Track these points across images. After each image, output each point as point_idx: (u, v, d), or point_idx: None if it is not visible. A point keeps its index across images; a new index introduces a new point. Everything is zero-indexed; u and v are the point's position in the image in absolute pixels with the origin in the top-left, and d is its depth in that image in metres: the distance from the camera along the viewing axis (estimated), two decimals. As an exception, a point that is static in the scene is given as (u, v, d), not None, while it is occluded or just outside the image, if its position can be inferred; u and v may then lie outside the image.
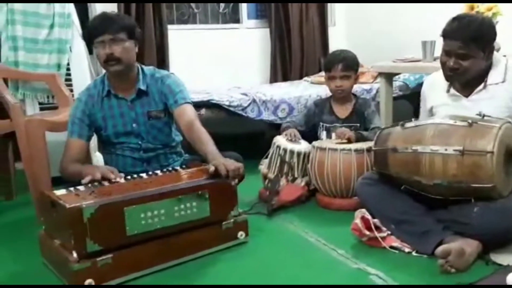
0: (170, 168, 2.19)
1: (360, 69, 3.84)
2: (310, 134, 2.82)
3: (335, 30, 4.66)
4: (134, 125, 2.24)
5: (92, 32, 2.15)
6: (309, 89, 3.67)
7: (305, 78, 4.31)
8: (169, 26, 3.96)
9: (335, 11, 4.69)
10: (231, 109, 3.21)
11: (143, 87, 2.23)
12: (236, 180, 1.99)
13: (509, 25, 2.81)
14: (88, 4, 3.72)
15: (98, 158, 2.71)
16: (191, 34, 4.19)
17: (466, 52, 1.96)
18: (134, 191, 1.83)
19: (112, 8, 3.75)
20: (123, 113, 2.24)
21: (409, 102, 3.75)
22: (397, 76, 3.58)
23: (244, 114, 3.25)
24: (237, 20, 4.46)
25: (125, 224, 1.74)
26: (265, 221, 2.37)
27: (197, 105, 3.06)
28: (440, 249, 1.77)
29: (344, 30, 4.68)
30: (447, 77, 2.10)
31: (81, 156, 2.20)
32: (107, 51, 2.10)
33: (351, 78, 2.72)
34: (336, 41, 4.56)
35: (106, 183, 1.94)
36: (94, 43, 2.14)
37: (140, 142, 2.27)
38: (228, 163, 1.96)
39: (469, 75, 2.03)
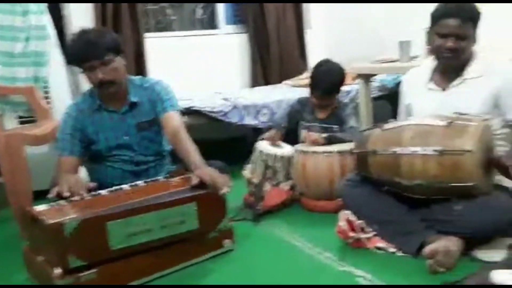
0: (152, 178, 2.18)
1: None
2: (292, 136, 2.85)
3: (312, 32, 4.68)
4: (125, 137, 2.23)
5: (78, 57, 2.09)
6: (290, 92, 3.68)
7: (285, 81, 4.32)
8: (146, 34, 3.94)
9: (311, 14, 4.71)
10: (213, 115, 3.21)
11: (134, 99, 2.23)
12: (226, 189, 1.96)
13: (484, 22, 2.85)
14: (61, 5, 3.66)
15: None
16: (169, 41, 4.17)
17: (465, 31, 1.97)
18: (117, 203, 1.81)
19: (87, 8, 3.70)
20: (114, 126, 2.23)
21: (388, 102, 3.79)
22: (375, 77, 3.61)
23: (226, 119, 3.25)
24: (214, 26, 4.45)
25: (108, 239, 1.73)
26: (251, 227, 2.37)
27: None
28: (427, 249, 1.79)
29: (321, 32, 4.70)
30: (444, 60, 2.06)
31: (73, 173, 2.13)
32: (99, 76, 2.07)
33: (335, 95, 2.79)
34: (314, 44, 4.59)
35: (87, 196, 1.91)
36: (82, 67, 2.09)
37: (132, 155, 2.26)
38: (214, 172, 1.96)
39: (464, 56, 2.03)
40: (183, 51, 4.16)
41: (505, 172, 1.85)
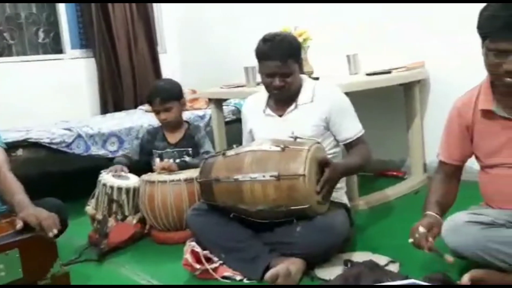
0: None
1: (194, 95, 3.93)
2: (147, 169, 2.73)
3: (167, 57, 4.64)
4: None
5: None
6: (143, 119, 3.57)
7: (140, 106, 4.20)
8: (-21, 60, 3.57)
9: (165, 38, 4.68)
10: (53, 146, 2.97)
11: None
12: (55, 231, 1.79)
13: (318, 50, 3.06)
14: None
15: None
16: (7, 67, 3.82)
17: (287, 69, 2.06)
18: None
19: None
20: None
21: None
22: (229, 101, 3.67)
23: (69, 151, 3.03)
24: (59, 50, 4.19)
25: None
26: (95, 267, 2.20)
27: (13, 146, 2.79)
28: (268, 274, 1.81)
29: (176, 56, 4.68)
30: (275, 95, 2.17)
31: None
32: None
33: (174, 108, 2.69)
34: (170, 68, 4.55)
35: None
36: None
37: None
38: (40, 213, 1.77)
39: (294, 87, 2.13)
40: (23, 77, 3.84)
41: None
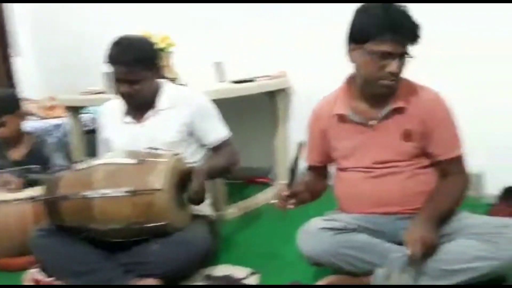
0: None
1: (52, 103, 3.62)
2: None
3: (23, 60, 4.22)
4: None
5: None
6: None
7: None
8: None
9: (19, 40, 4.25)
10: None
11: None
12: None
13: (181, 55, 2.97)
14: None
15: None
16: None
17: (133, 77, 1.94)
18: None
19: None
20: None
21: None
22: (91, 108, 3.42)
23: None
24: None
25: None
26: None
27: None
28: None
29: (33, 60, 4.28)
30: (126, 102, 2.06)
31: None
32: None
33: (9, 122, 2.43)
34: (25, 73, 4.17)
35: None
36: None
37: None
38: None
39: (144, 96, 2.01)
40: None
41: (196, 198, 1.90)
